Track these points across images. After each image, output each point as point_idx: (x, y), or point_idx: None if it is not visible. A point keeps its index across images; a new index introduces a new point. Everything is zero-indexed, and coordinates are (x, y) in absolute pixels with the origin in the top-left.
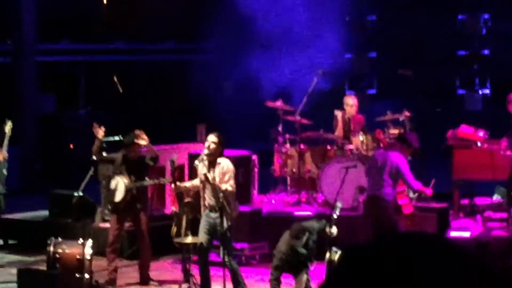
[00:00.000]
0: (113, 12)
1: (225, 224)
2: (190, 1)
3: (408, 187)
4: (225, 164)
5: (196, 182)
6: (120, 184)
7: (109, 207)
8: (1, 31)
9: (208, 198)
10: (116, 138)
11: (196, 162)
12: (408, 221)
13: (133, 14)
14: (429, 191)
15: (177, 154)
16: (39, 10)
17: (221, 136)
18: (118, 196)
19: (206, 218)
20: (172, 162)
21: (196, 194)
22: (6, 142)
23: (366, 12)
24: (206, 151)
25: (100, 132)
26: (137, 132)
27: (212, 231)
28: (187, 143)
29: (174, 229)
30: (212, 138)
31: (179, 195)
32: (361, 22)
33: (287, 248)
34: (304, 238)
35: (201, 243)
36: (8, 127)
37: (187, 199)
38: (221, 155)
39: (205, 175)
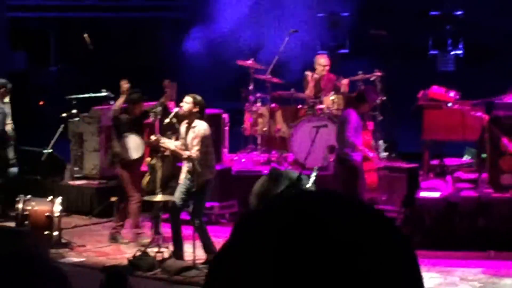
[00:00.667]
0: None
1: (195, 186)
2: None
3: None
4: (197, 128)
5: (174, 143)
6: (136, 141)
7: (119, 163)
8: None
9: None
10: (86, 95)
11: (168, 120)
12: (374, 177)
13: None
14: (370, 154)
15: (160, 107)
16: None
17: (196, 97)
18: (135, 154)
19: (185, 180)
20: (155, 113)
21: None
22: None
23: None
24: (180, 111)
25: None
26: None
27: (187, 192)
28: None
29: (146, 179)
30: (186, 99)
31: (156, 147)
32: None
33: (260, 191)
34: (282, 186)
35: (174, 202)
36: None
37: (166, 153)
38: (198, 117)
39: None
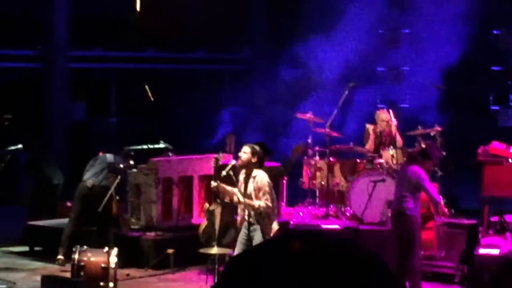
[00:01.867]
0: (146, 19)
1: (257, 240)
2: (223, 10)
3: (430, 199)
4: (259, 178)
5: (236, 190)
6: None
7: None
8: (33, 37)
9: (245, 211)
10: (145, 146)
11: (224, 172)
12: (433, 235)
13: (165, 22)
14: (446, 210)
15: (222, 154)
16: (72, 16)
17: (255, 148)
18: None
19: (244, 230)
20: (217, 160)
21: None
22: None
23: (399, 25)
24: (239, 163)
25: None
26: None
27: (249, 244)
28: (215, 153)
29: (203, 226)
30: (245, 149)
31: (216, 193)
32: (394, 35)
33: None
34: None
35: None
36: None
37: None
38: (256, 167)
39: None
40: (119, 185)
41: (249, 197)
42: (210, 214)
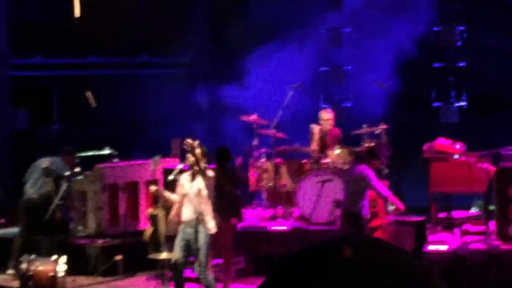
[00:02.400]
0: (86, 25)
1: (201, 240)
2: (162, 14)
3: (380, 196)
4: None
5: (174, 196)
6: None
7: None
8: None
9: (185, 213)
10: (89, 153)
11: (172, 176)
12: (380, 233)
13: (106, 28)
14: (401, 205)
15: (160, 155)
16: (10, 24)
17: (203, 147)
18: None
19: (182, 234)
20: (155, 161)
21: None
22: None
23: (342, 24)
24: (189, 162)
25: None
26: None
27: (188, 247)
28: (162, 158)
29: (148, 232)
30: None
31: (156, 198)
32: (336, 34)
33: None
34: None
35: (176, 259)
36: None
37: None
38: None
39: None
40: (66, 192)
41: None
42: (154, 219)
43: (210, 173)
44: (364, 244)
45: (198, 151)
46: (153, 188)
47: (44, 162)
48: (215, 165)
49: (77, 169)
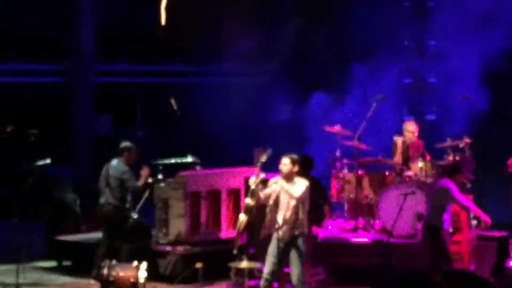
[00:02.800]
0: (171, 33)
1: (298, 247)
2: (248, 23)
3: (463, 208)
4: (302, 184)
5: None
6: None
7: None
8: (59, 51)
9: (280, 221)
10: (172, 161)
11: (253, 186)
12: (463, 248)
13: (192, 36)
14: (487, 219)
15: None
16: (98, 30)
17: (294, 157)
18: None
19: (276, 243)
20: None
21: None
22: None
23: (427, 36)
24: (281, 175)
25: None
26: None
27: (282, 257)
28: (244, 166)
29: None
30: (284, 161)
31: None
32: (421, 45)
33: None
34: None
35: (269, 270)
36: None
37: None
38: (298, 175)
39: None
40: (147, 199)
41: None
42: (249, 210)
43: (305, 183)
44: (453, 273)
45: (285, 165)
46: (253, 180)
47: (106, 170)
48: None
49: (160, 176)
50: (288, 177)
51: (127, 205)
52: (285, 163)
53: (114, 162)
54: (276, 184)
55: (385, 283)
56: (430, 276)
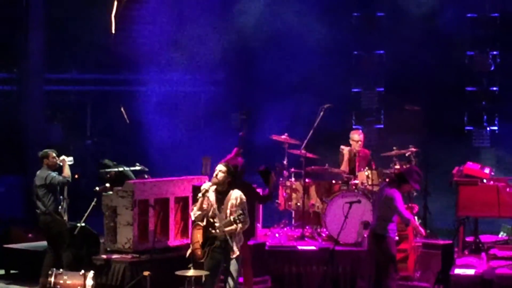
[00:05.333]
0: (120, 42)
1: (230, 258)
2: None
3: (402, 221)
4: (238, 195)
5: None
6: None
7: None
8: (9, 60)
9: (213, 230)
10: (121, 169)
11: (200, 195)
12: (409, 256)
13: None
14: (422, 231)
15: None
16: (47, 38)
17: (230, 166)
18: None
19: (212, 251)
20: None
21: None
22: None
23: (373, 46)
24: (214, 180)
25: None
26: None
27: (218, 263)
28: (191, 176)
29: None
30: (220, 167)
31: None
32: (369, 56)
33: None
34: None
35: (207, 276)
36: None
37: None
38: (230, 186)
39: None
40: (94, 207)
41: (224, 216)
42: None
43: (238, 193)
44: None
45: (222, 172)
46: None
47: (37, 180)
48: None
49: (108, 185)
50: (222, 185)
51: (60, 210)
52: (221, 170)
53: (38, 172)
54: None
55: None
56: None
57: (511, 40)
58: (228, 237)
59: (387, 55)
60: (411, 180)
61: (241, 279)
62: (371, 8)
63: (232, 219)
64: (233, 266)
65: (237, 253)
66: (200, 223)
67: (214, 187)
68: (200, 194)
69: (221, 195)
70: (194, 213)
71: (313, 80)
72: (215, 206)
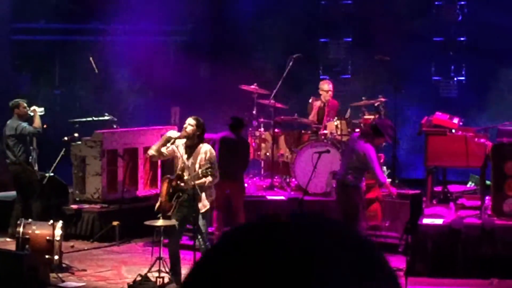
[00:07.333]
0: None
1: (199, 209)
2: None
3: (375, 179)
4: (207, 150)
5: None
6: None
7: None
8: None
9: (182, 183)
10: (89, 119)
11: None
12: (377, 205)
13: None
14: (393, 190)
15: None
16: None
17: (200, 120)
18: None
19: (179, 205)
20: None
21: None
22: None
23: None
24: (183, 133)
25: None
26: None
27: (186, 215)
28: (160, 125)
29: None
30: (190, 121)
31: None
32: (336, 6)
33: None
34: None
35: (174, 226)
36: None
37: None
38: (200, 139)
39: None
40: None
41: (193, 168)
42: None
43: (207, 147)
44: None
45: (191, 126)
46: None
47: (4, 132)
48: (230, 133)
49: (76, 134)
50: (191, 139)
51: (31, 160)
52: (190, 123)
53: (8, 122)
54: (177, 148)
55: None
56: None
57: None
58: (198, 190)
59: (354, 5)
60: (386, 135)
61: (211, 229)
62: None
63: (200, 173)
64: (201, 221)
65: (207, 206)
66: (169, 176)
67: (184, 140)
68: (164, 138)
69: (191, 149)
70: (149, 151)
71: (281, 30)
72: (184, 159)
